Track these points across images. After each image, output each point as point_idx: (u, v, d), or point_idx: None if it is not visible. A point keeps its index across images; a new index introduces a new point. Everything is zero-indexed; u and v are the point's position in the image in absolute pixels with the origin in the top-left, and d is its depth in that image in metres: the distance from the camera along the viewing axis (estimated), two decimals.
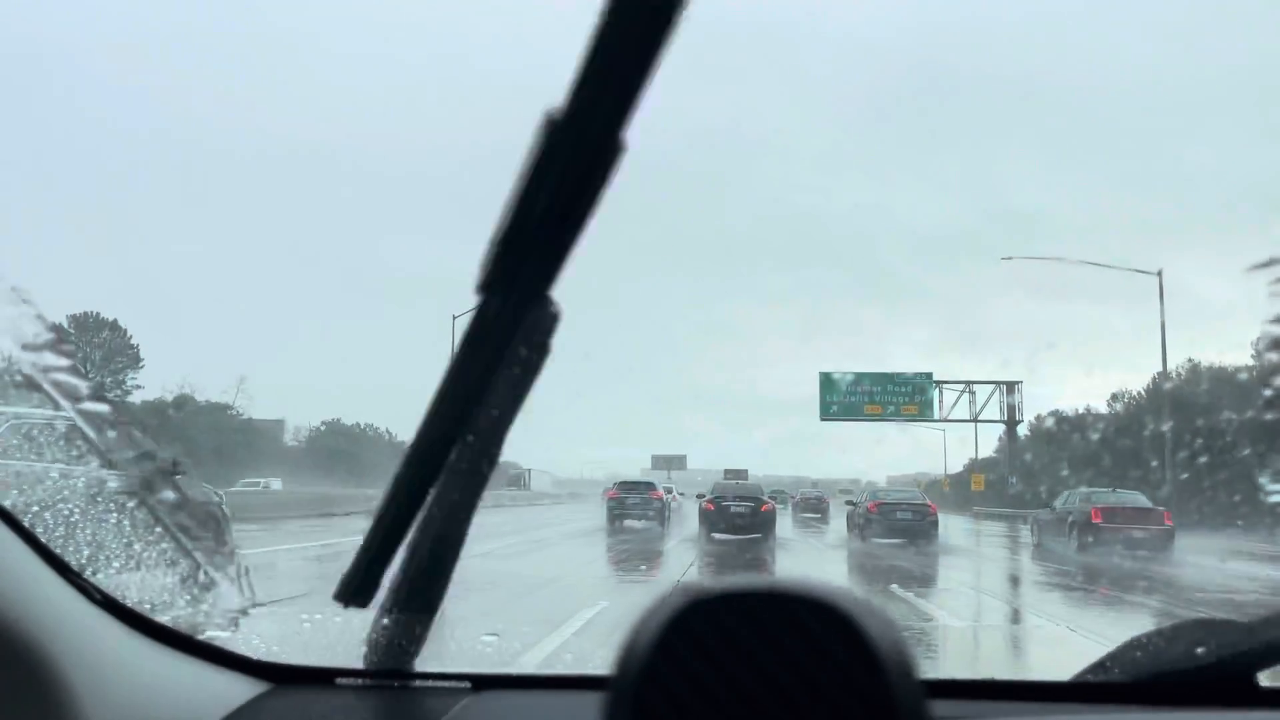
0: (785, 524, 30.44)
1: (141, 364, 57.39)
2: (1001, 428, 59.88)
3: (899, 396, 50.87)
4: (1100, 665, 1.56)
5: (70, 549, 1.21)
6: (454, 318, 33.92)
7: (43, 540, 1.15)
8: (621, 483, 30.05)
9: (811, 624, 0.74)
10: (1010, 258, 29.33)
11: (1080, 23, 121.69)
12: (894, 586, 13.22)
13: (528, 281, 1.11)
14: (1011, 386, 52.61)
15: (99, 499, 1.48)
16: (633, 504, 28.00)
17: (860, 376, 52.27)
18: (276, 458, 56.06)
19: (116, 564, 1.33)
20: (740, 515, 23.52)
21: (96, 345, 57.00)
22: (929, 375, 52.64)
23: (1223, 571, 18.16)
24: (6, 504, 1.12)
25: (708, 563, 17.31)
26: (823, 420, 51.01)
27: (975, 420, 54.28)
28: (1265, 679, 1.44)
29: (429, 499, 1.29)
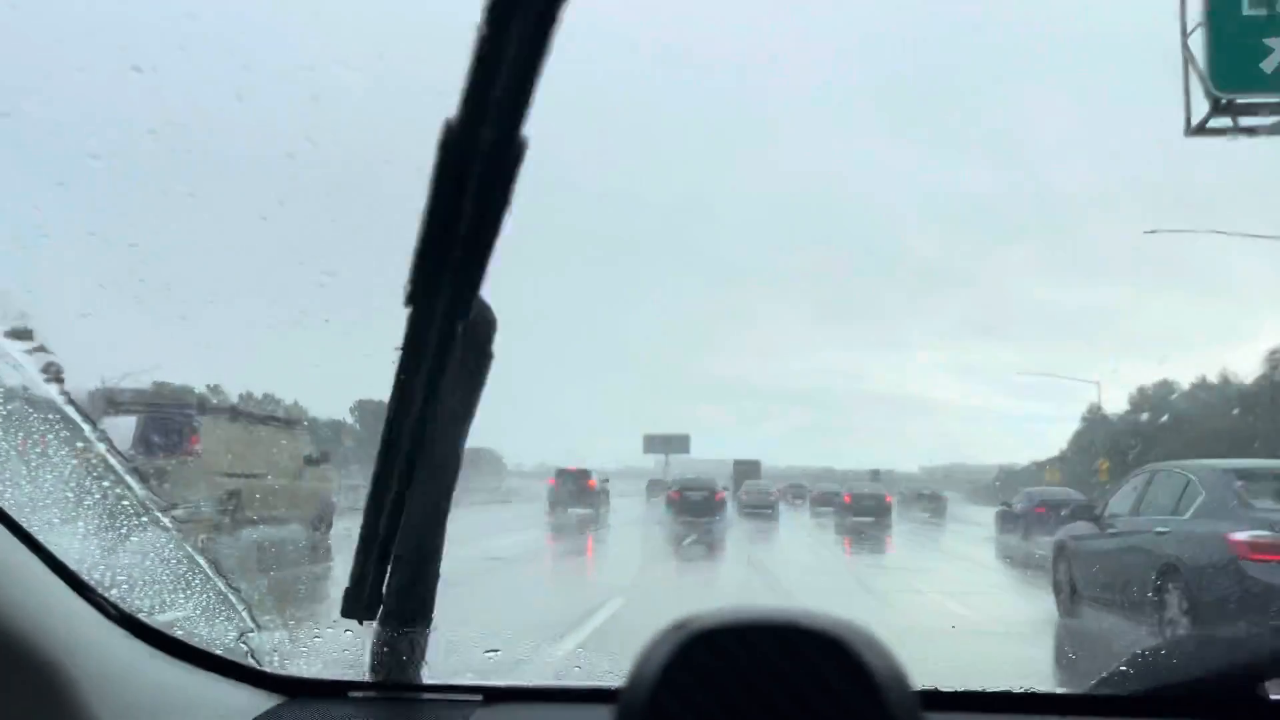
0: (803, 516, 40.16)
1: None
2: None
3: None
4: (1106, 679, 1.56)
5: (86, 567, 1.24)
6: None
7: (59, 558, 1.17)
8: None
9: (812, 654, 0.75)
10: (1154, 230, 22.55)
11: None
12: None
13: (454, 288, 1.11)
14: None
15: (116, 516, 1.51)
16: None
17: None
18: None
19: (129, 580, 1.36)
20: (697, 502, 31.32)
21: None
22: None
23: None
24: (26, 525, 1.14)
25: (679, 523, 26.91)
26: (1217, 98, 11.78)
27: None
28: (1275, 691, 1.44)
29: (405, 509, 1.34)
